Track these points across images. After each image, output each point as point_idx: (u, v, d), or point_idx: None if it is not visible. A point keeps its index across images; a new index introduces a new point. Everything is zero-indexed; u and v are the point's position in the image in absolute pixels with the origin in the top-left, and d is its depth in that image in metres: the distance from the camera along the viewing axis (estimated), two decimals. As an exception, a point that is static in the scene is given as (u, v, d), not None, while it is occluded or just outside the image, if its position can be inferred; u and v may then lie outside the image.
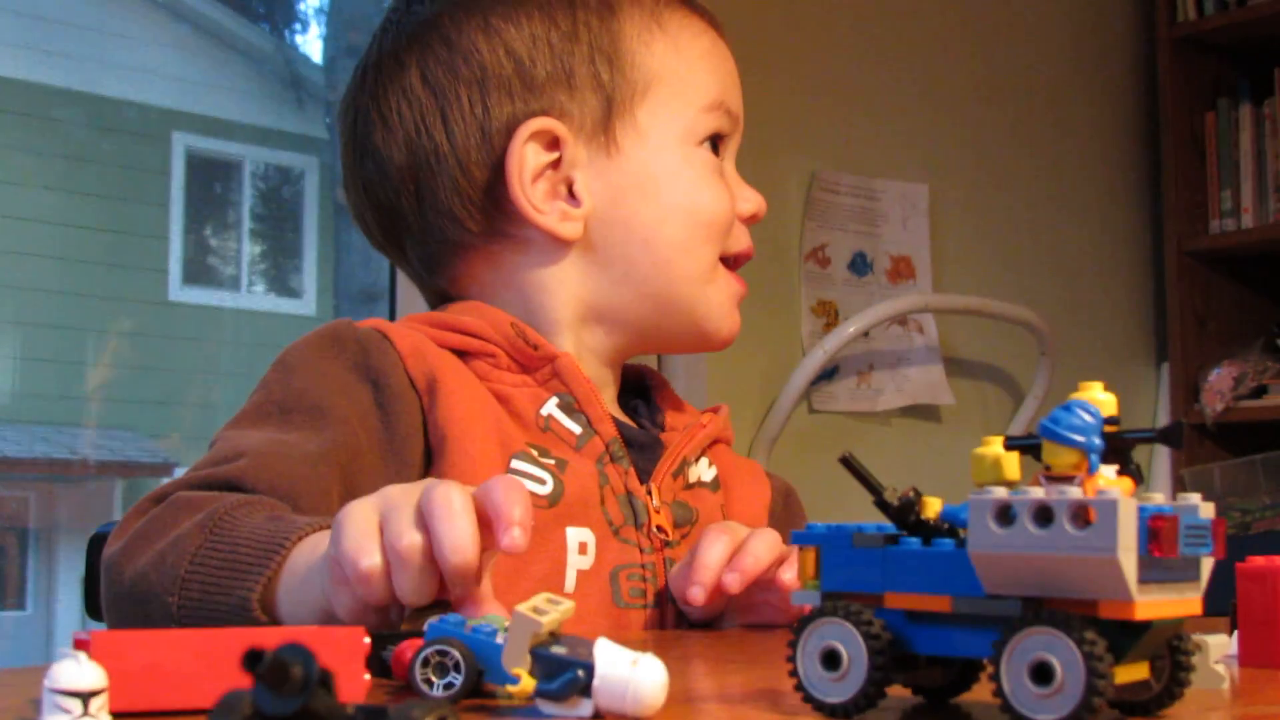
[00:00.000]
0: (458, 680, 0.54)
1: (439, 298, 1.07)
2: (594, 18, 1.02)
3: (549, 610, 0.54)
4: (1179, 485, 2.81)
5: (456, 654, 0.54)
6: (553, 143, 1.00)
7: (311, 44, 2.39)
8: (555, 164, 1.00)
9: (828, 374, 2.49)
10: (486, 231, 1.00)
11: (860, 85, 2.64)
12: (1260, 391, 2.82)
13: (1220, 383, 2.83)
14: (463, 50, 1.00)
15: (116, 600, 0.82)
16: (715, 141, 1.05)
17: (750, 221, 1.06)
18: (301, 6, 2.37)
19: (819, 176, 2.55)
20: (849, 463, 0.57)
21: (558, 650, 0.52)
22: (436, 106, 1.00)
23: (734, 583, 0.88)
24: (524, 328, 0.97)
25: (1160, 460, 2.90)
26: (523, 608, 0.54)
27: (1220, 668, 0.61)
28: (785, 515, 1.13)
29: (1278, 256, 2.97)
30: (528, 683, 0.53)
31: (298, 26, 2.37)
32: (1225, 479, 2.83)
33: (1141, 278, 3.05)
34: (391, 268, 2.04)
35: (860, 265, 2.61)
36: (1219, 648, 0.60)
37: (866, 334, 2.50)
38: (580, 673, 0.51)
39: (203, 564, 0.76)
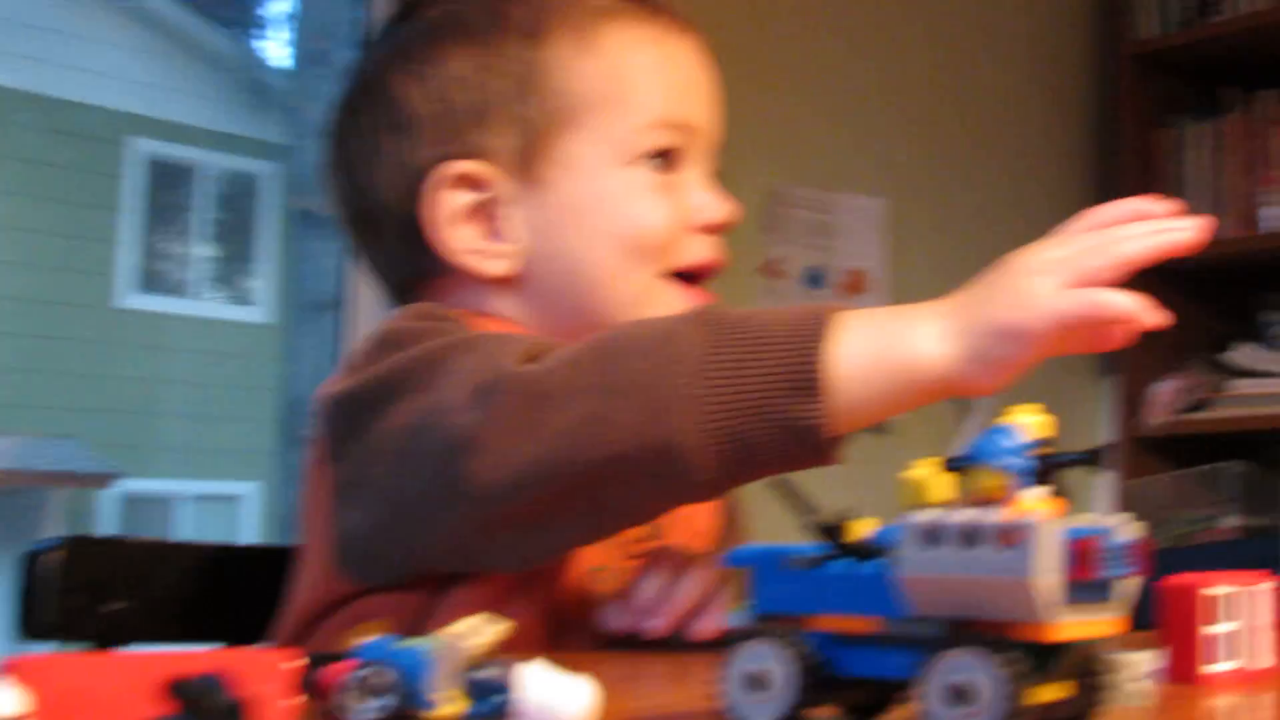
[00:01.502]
0: (388, 702, 0.53)
1: None
2: (517, 47, 1.01)
3: (480, 632, 0.54)
4: (1123, 498, 2.87)
5: (386, 675, 0.53)
6: (475, 182, 0.99)
7: (276, 49, 2.45)
8: (482, 205, 0.99)
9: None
10: (429, 271, 1.01)
11: (818, 98, 2.66)
12: (1203, 405, 2.87)
13: (1164, 396, 2.88)
14: (392, 99, 1.02)
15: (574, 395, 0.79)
16: (667, 156, 1.02)
17: (715, 231, 1.04)
18: (266, 12, 2.42)
19: (775, 190, 2.57)
20: (782, 485, 0.57)
21: (488, 673, 0.52)
22: (371, 156, 1.02)
23: (655, 629, 0.91)
24: None
25: (1104, 473, 2.91)
26: (450, 630, 0.54)
27: (1143, 684, 0.61)
28: (732, 517, 1.15)
29: (1225, 272, 3.00)
30: (458, 705, 0.52)
31: (261, 32, 2.42)
32: (1168, 491, 2.89)
33: None
34: (343, 278, 2.06)
35: (815, 279, 2.62)
36: (1142, 664, 0.61)
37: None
38: (508, 695, 0.51)
39: (721, 351, 0.77)
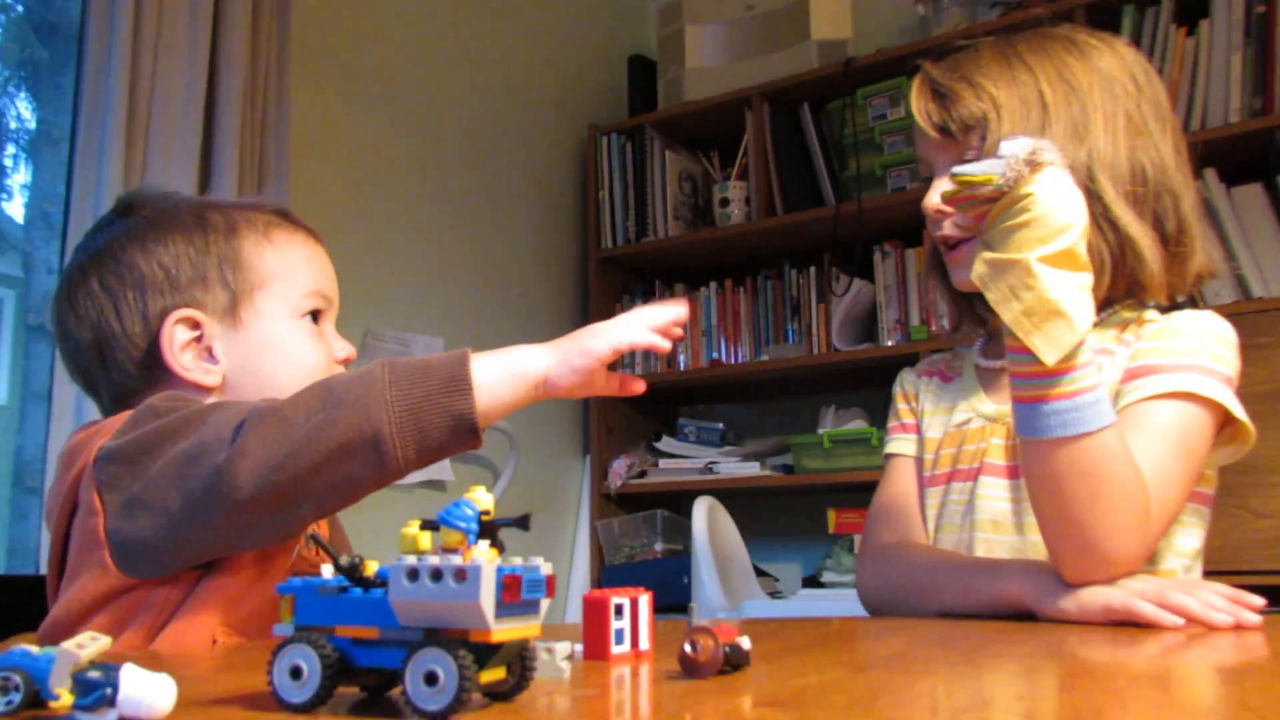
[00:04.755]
0: (16, 698, 0.49)
1: None
2: (221, 238, 1.03)
3: (89, 645, 0.51)
4: (594, 532, 3.03)
5: (17, 678, 0.49)
6: (195, 324, 1.02)
7: (12, 208, 2.34)
8: (199, 338, 1.02)
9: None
10: (153, 381, 1.01)
11: (398, 268, 2.66)
12: (642, 475, 3.06)
13: (620, 469, 3.04)
14: (127, 265, 1.02)
15: (290, 464, 0.80)
16: (316, 314, 1.07)
17: (346, 363, 1.08)
18: (7, 181, 2.31)
19: (370, 329, 2.56)
20: (316, 540, 0.58)
21: (93, 674, 0.49)
22: (111, 303, 1.01)
23: None
24: None
25: (583, 513, 3.10)
26: (67, 644, 0.51)
27: (565, 663, 0.61)
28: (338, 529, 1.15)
29: (658, 393, 3.16)
30: (67, 699, 0.49)
31: (2, 195, 2.31)
32: (622, 527, 3.04)
33: (574, 402, 3.15)
34: (54, 376, 1.96)
35: None
36: (563, 650, 0.62)
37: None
38: (108, 690, 0.48)
39: (401, 375, 0.81)
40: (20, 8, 2.25)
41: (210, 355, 1.02)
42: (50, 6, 2.25)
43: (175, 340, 1.00)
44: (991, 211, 0.91)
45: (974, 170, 0.90)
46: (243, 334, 1.02)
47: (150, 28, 2.00)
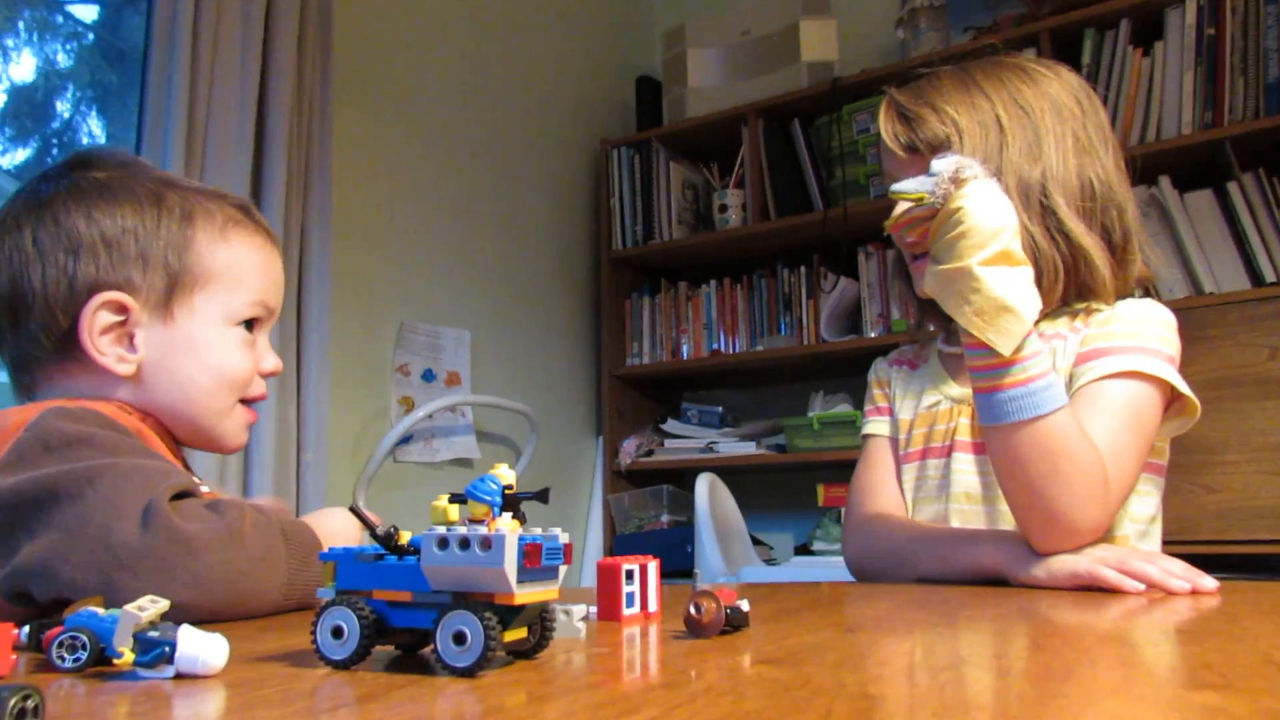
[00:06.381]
0: (83, 655, 0.49)
1: (25, 389, 0.91)
2: (175, 222, 0.90)
3: (149, 607, 0.50)
4: (606, 505, 3.01)
5: (84, 637, 0.49)
6: (122, 308, 0.87)
7: None
8: (123, 322, 0.88)
9: (406, 439, 2.50)
10: (62, 354, 0.88)
11: (429, 271, 2.65)
12: (650, 454, 3.08)
13: (629, 448, 3.06)
14: (67, 229, 0.87)
15: (231, 564, 0.73)
16: (252, 323, 0.94)
17: (270, 375, 0.96)
18: None
19: (405, 323, 2.57)
20: (355, 511, 0.56)
21: (153, 634, 0.49)
22: (39, 262, 0.87)
23: None
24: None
25: (596, 488, 3.08)
26: (129, 606, 0.50)
27: (581, 624, 0.60)
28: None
29: (662, 379, 3.22)
30: (129, 656, 0.49)
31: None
32: (632, 500, 3.04)
33: (588, 387, 3.16)
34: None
35: (429, 376, 2.60)
36: (579, 612, 0.61)
37: (430, 416, 2.52)
38: (167, 648, 0.48)
39: (295, 575, 0.77)
40: (91, 36, 2.25)
41: (130, 343, 0.88)
42: (118, 35, 2.25)
43: (97, 324, 0.86)
44: (931, 229, 0.91)
45: (908, 187, 0.91)
46: (170, 328, 0.89)
47: (207, 54, 2.01)
